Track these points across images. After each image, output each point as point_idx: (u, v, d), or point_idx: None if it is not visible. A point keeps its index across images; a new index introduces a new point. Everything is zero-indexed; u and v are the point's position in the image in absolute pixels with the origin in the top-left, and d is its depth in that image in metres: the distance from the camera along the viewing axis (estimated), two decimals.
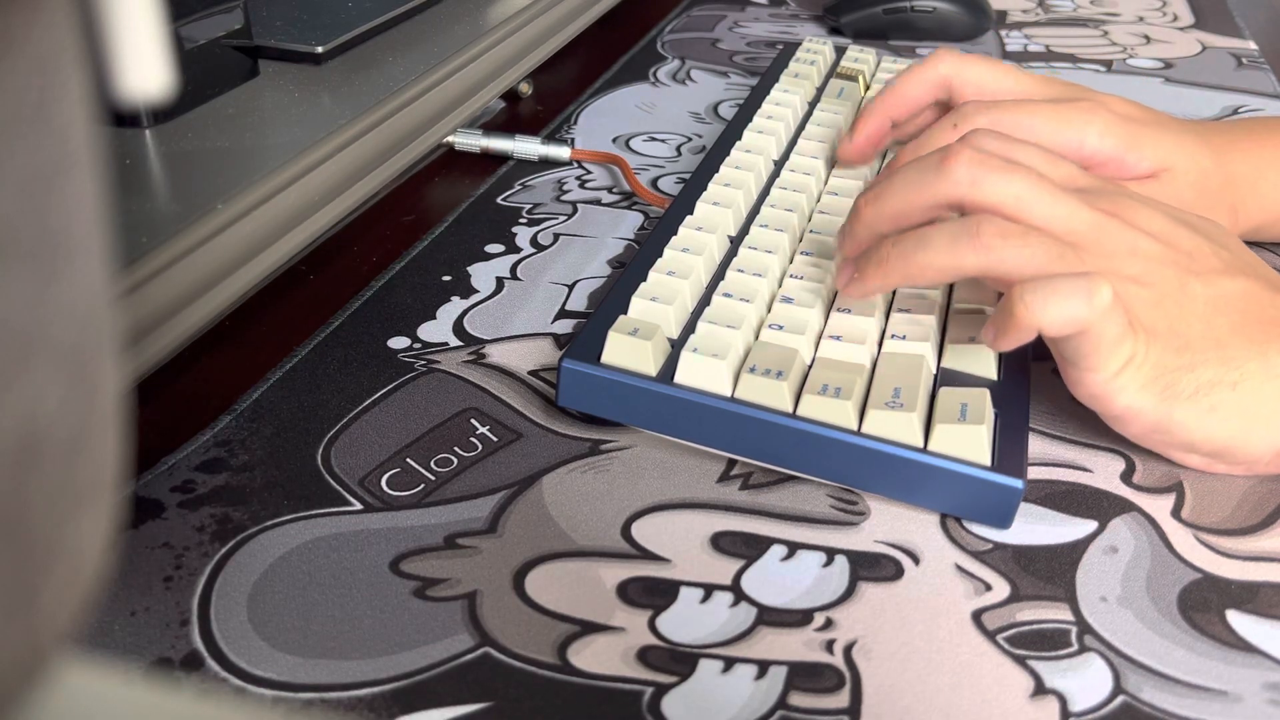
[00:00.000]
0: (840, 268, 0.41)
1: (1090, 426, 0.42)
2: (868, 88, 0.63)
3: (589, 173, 0.61)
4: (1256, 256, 0.41)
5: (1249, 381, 0.37)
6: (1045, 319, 0.35)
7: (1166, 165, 0.48)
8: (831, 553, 0.37)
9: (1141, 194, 0.42)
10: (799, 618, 0.34)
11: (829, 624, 0.34)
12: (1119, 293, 0.37)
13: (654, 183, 0.60)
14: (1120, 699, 0.32)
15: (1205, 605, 0.35)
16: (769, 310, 0.42)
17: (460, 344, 0.46)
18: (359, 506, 0.38)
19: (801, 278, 0.44)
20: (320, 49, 0.51)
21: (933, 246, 0.37)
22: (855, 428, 0.37)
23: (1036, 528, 0.38)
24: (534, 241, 0.54)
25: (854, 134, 0.52)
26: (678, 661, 0.32)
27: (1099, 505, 0.39)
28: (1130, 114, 0.49)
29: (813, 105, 0.61)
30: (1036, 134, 0.47)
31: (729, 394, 0.38)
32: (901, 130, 0.54)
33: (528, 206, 0.57)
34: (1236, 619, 0.34)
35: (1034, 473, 0.40)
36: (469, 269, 0.51)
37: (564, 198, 0.58)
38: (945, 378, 0.40)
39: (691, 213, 0.48)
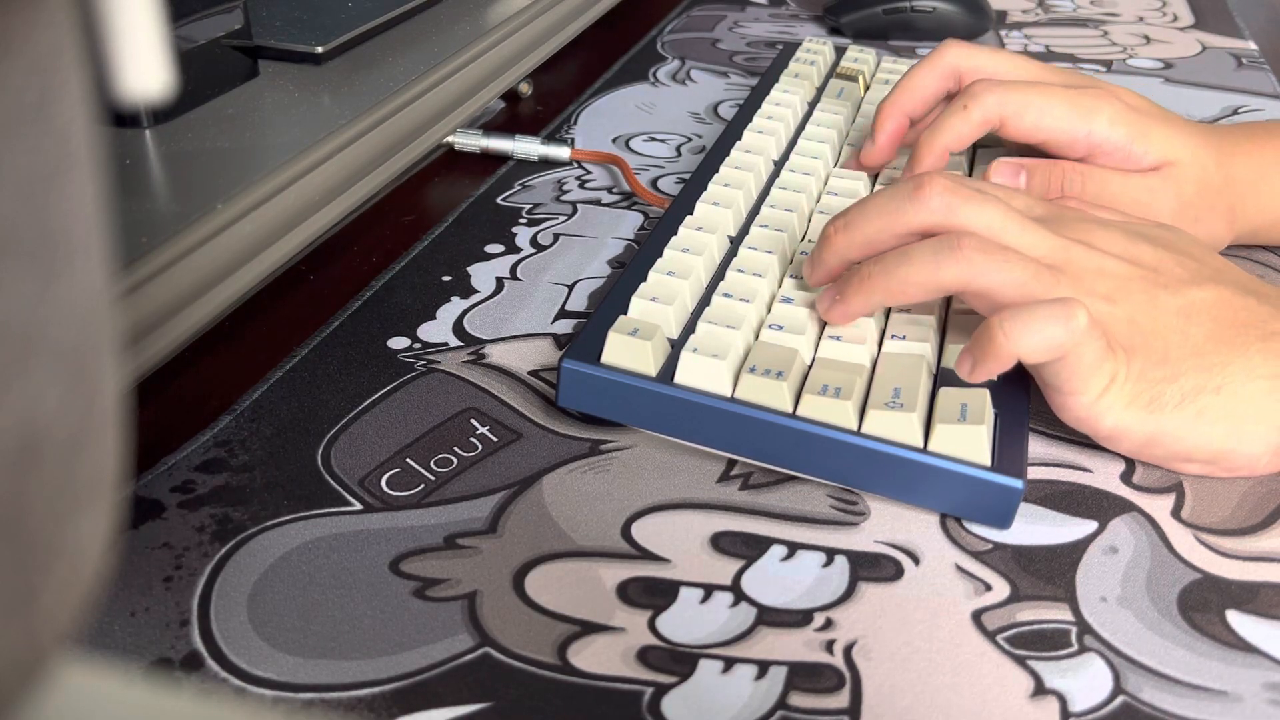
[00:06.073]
0: (821, 294, 0.41)
1: None
2: (867, 88, 0.63)
3: (589, 173, 0.61)
4: (1225, 261, 0.42)
5: (1232, 384, 0.38)
6: (1024, 346, 0.35)
7: (1171, 159, 0.48)
8: (831, 553, 0.37)
9: (1099, 216, 0.43)
10: (799, 618, 0.34)
11: (829, 624, 0.34)
12: (1094, 314, 0.37)
13: (654, 183, 0.60)
14: (1120, 699, 0.32)
15: (1205, 605, 0.35)
16: (769, 310, 0.42)
17: (460, 344, 0.46)
18: (359, 507, 0.38)
19: (801, 278, 0.44)
20: (320, 49, 0.51)
21: (915, 260, 0.38)
22: (855, 428, 0.37)
23: (1036, 528, 0.38)
24: (534, 241, 0.54)
25: (874, 137, 0.52)
26: (678, 662, 0.32)
27: (1099, 505, 0.39)
28: (1139, 106, 0.49)
29: (813, 105, 0.61)
30: (1045, 115, 0.47)
31: (729, 394, 0.38)
32: (920, 127, 0.54)
33: (528, 206, 0.57)
34: (1236, 619, 0.34)
35: (1034, 473, 0.40)
36: (469, 269, 0.51)
37: (564, 198, 0.58)
38: (945, 378, 0.40)
39: (691, 213, 0.48)
